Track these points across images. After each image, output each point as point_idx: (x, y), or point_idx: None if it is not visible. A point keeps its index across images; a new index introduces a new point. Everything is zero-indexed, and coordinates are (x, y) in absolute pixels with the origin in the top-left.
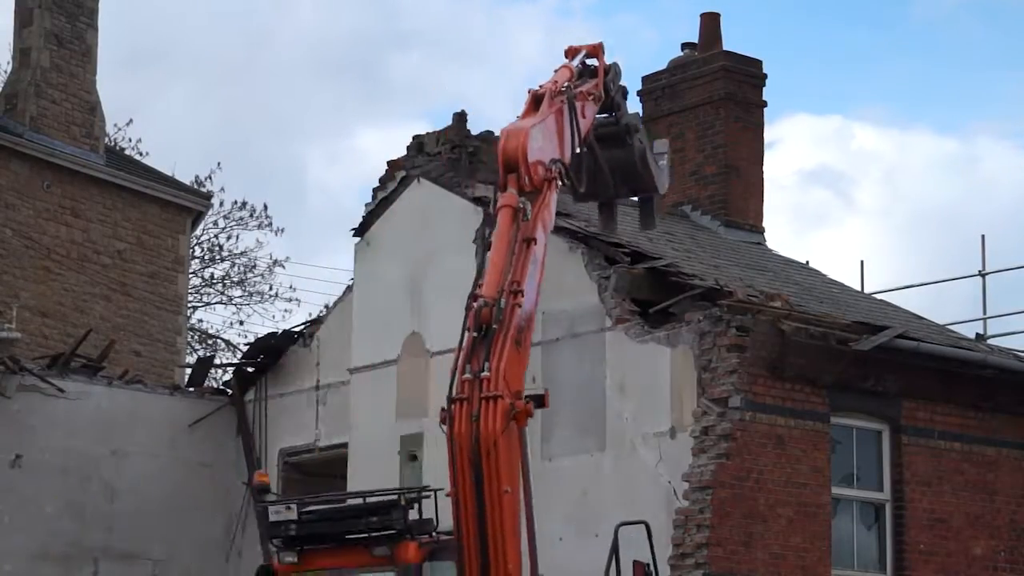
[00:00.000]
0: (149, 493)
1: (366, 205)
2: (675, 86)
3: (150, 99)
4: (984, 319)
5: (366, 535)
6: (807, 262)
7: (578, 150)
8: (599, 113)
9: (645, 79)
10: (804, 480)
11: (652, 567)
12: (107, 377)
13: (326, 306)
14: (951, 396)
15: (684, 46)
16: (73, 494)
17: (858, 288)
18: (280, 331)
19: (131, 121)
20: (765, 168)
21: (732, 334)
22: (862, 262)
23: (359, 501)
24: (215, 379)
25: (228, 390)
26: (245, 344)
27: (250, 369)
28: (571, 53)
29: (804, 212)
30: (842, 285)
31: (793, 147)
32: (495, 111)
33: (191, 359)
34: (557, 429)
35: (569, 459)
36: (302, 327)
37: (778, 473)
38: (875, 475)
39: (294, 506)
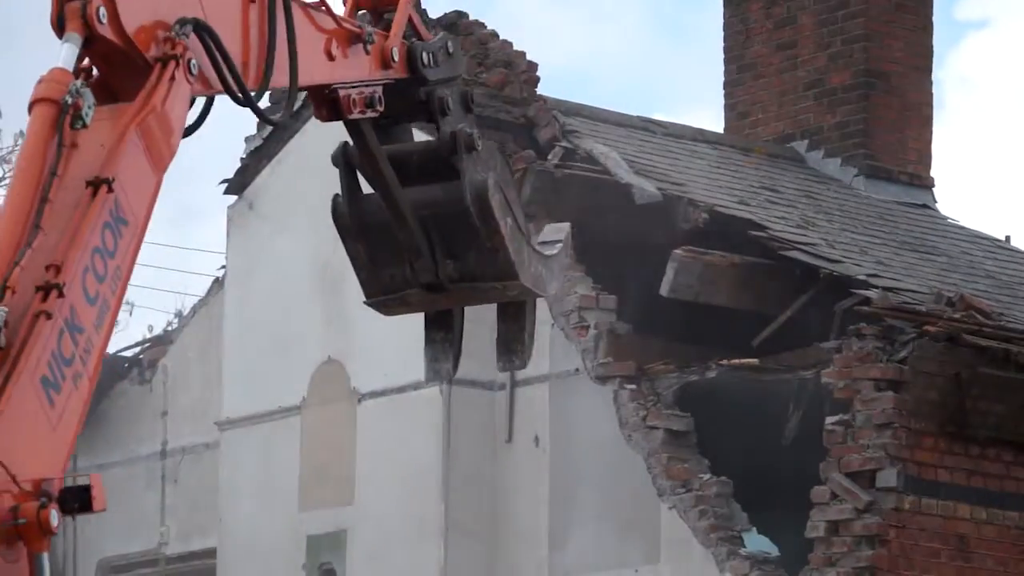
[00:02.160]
0: None
1: (247, 141)
2: None
3: None
4: None
5: None
6: (1007, 238)
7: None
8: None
9: None
10: None
11: None
12: None
13: (178, 313)
14: None
15: None
16: None
17: None
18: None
19: None
20: (949, 72)
21: (884, 365)
22: None
23: None
24: None
25: None
26: None
27: None
28: None
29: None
30: None
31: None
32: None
33: None
34: (576, 526)
35: None
36: (135, 351)
37: None
38: None
39: None
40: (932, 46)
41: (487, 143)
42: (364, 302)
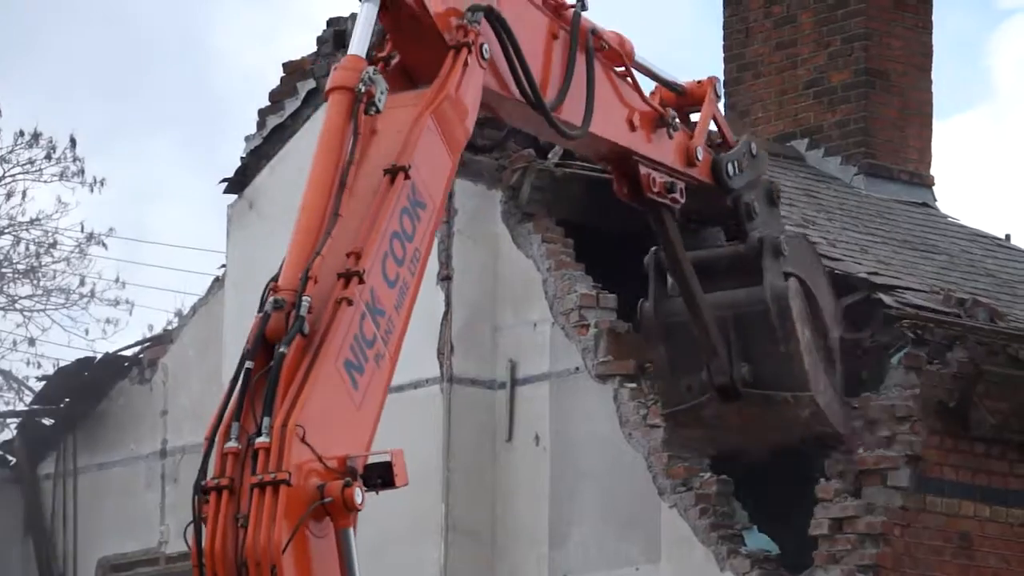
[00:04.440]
0: None
1: (247, 140)
2: None
3: None
4: None
5: None
6: (1008, 236)
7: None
8: (693, 207)
9: None
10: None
11: None
12: None
13: (178, 313)
14: None
15: None
16: None
17: None
18: (98, 355)
19: None
20: (955, 69)
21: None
22: None
23: None
24: None
25: (9, 458)
26: (38, 378)
27: (47, 422)
28: None
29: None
30: None
31: None
32: None
33: None
34: (576, 525)
35: None
36: (135, 350)
37: None
38: None
39: None
40: (932, 44)
41: (795, 242)
42: (661, 413)
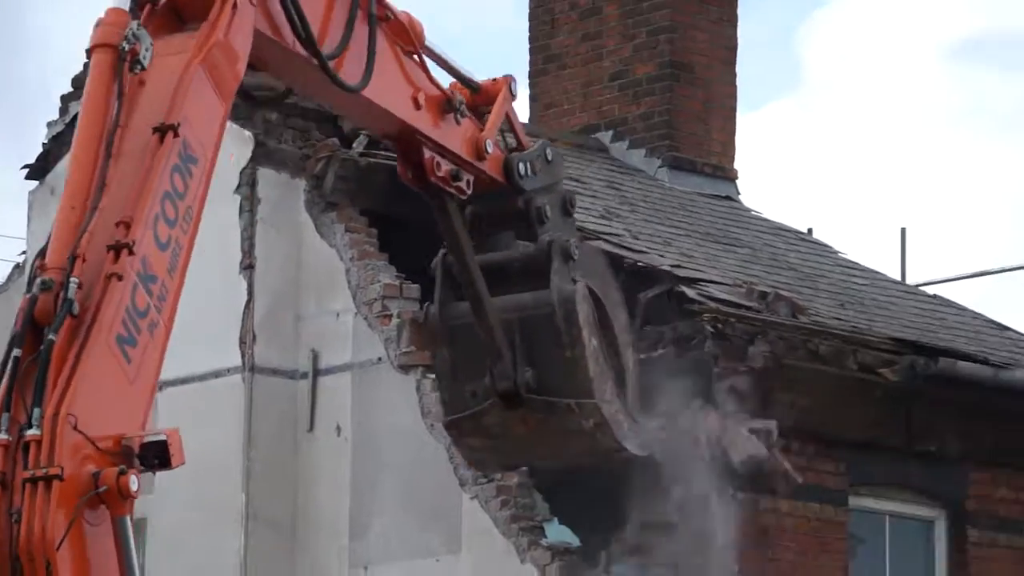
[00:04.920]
0: None
1: (49, 126)
2: None
3: None
4: None
5: None
6: (810, 231)
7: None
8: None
9: None
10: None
11: None
12: None
13: None
14: None
15: None
16: None
17: (896, 276)
18: None
19: None
20: (766, 59)
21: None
22: (903, 231)
23: None
24: None
25: None
26: None
27: None
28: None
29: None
30: (867, 271)
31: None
32: None
33: None
34: (378, 515)
35: (399, 568)
36: None
37: None
38: None
39: None
40: (737, 38)
41: (588, 248)
42: (442, 422)
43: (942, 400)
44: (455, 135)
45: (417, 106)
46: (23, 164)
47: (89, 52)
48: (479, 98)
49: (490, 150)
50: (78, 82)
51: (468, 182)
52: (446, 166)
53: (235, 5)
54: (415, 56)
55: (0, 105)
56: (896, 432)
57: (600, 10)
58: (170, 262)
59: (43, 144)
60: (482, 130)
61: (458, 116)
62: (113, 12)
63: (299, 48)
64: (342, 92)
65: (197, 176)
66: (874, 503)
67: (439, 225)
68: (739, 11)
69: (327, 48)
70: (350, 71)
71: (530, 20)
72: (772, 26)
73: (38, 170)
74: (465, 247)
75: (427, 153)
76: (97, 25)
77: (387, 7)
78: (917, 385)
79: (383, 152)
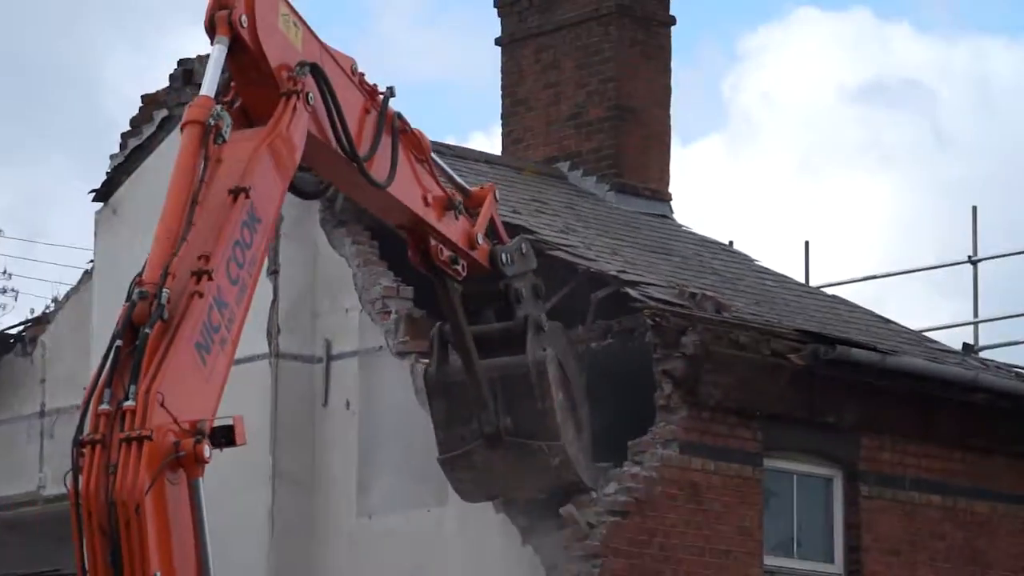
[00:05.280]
0: None
1: (111, 158)
2: None
3: None
4: (975, 323)
5: None
6: (731, 243)
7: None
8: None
9: None
10: (727, 546)
11: None
12: None
13: (54, 299)
14: (929, 430)
15: None
16: None
17: (801, 280)
18: None
19: None
20: (685, 111)
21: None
22: (807, 243)
23: None
24: None
25: None
26: None
27: None
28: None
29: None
30: (778, 275)
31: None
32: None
33: None
34: (380, 474)
35: (397, 516)
36: (19, 328)
37: (692, 536)
38: (823, 539)
39: None
40: (671, 86)
41: (553, 325)
42: (437, 459)
43: (839, 380)
44: (454, 228)
45: (426, 203)
46: (90, 189)
47: (183, 126)
48: (469, 201)
49: (480, 242)
50: (135, 122)
51: (463, 266)
52: (447, 253)
53: (295, 108)
54: (424, 163)
55: (76, 139)
56: (802, 406)
57: (559, 63)
58: (237, 296)
59: (106, 173)
60: (473, 226)
61: (456, 213)
62: (203, 98)
63: (339, 149)
64: (370, 187)
65: (260, 233)
66: (784, 464)
67: (439, 300)
68: (673, 63)
69: (361, 150)
70: (378, 170)
71: (501, 71)
72: (703, 74)
73: (102, 194)
74: (460, 319)
75: (432, 241)
76: (189, 106)
77: (405, 122)
78: (819, 368)
79: None
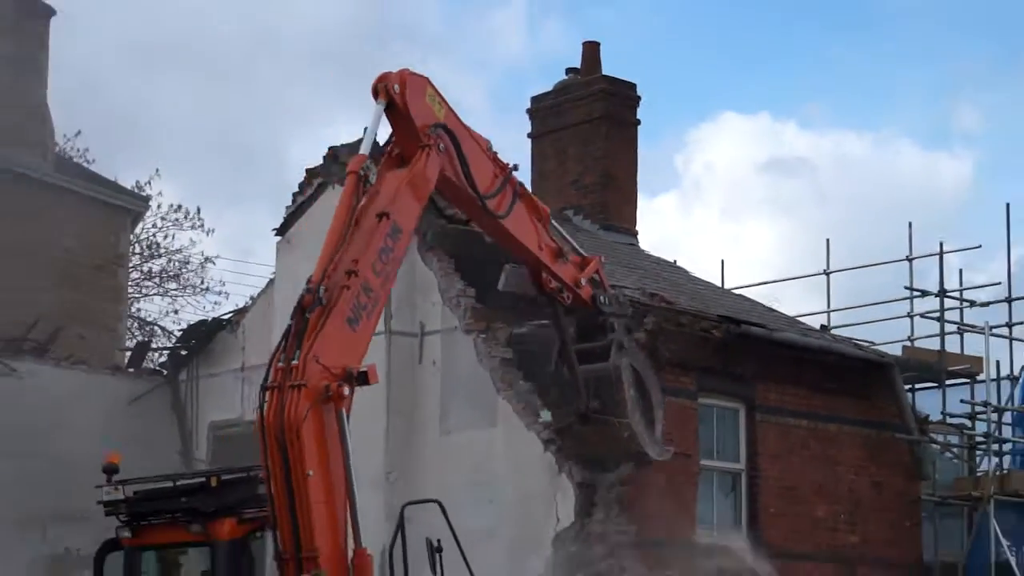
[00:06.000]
0: (91, 464)
1: (287, 208)
2: (559, 106)
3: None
4: (828, 312)
5: (183, 514)
6: (675, 261)
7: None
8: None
9: (533, 99)
10: (678, 450)
11: (440, 544)
12: (55, 359)
13: (251, 298)
14: (799, 379)
15: (568, 71)
16: (22, 463)
17: (719, 284)
18: (210, 319)
19: (79, 132)
20: (647, 178)
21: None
22: (723, 261)
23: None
24: (152, 361)
25: (163, 371)
26: (179, 330)
27: (183, 352)
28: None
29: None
30: (705, 282)
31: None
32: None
33: (131, 344)
34: (454, 407)
35: (465, 434)
36: (230, 315)
37: None
38: (733, 448)
39: (122, 487)
40: (637, 162)
41: (635, 346)
42: (554, 428)
43: (745, 348)
44: (562, 269)
45: (540, 248)
46: (274, 227)
47: (347, 175)
48: (583, 260)
49: (583, 284)
50: (302, 185)
51: (568, 296)
52: (555, 283)
53: (429, 155)
54: (543, 223)
55: (270, 195)
56: (720, 363)
57: (566, 149)
58: (381, 284)
59: (284, 217)
60: (581, 272)
61: (565, 259)
62: (359, 156)
63: (466, 185)
64: (490, 219)
65: (400, 240)
66: (709, 400)
67: (551, 320)
68: (640, 147)
69: (484, 189)
70: (497, 209)
71: (532, 154)
72: (663, 153)
73: (282, 229)
74: (565, 334)
75: (544, 275)
76: (351, 161)
77: (525, 189)
78: (731, 339)
79: (458, 223)
